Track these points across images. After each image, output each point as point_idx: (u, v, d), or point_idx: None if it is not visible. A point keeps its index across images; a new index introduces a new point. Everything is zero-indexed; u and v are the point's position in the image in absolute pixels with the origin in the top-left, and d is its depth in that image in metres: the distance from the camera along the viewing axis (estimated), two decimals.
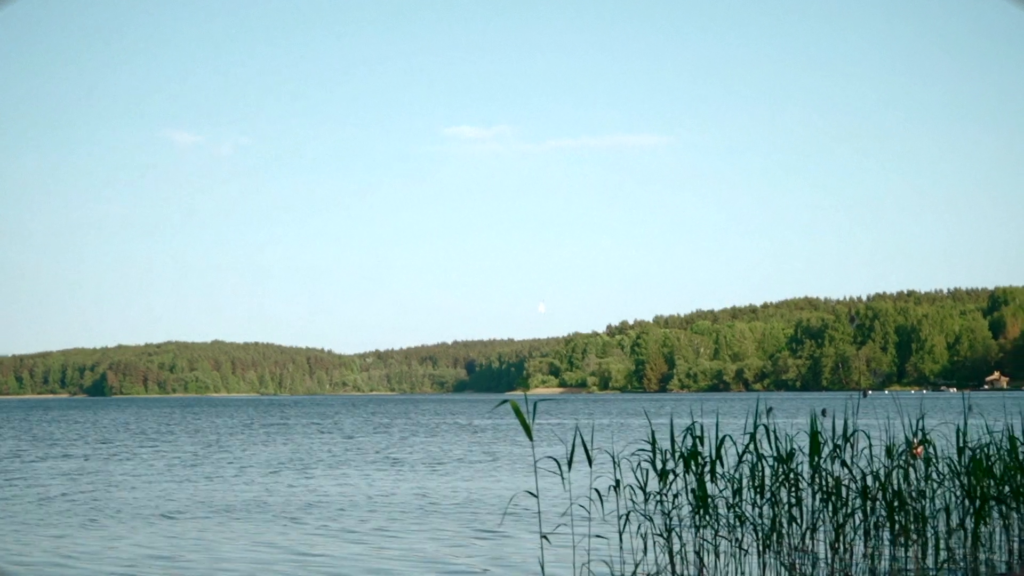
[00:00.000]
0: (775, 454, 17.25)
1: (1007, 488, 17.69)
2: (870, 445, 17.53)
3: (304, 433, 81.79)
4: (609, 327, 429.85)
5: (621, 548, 17.61)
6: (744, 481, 17.34)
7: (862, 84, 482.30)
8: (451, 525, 26.02)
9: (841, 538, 16.68)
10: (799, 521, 17.00)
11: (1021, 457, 17.92)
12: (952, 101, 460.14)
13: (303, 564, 20.73)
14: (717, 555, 17.25)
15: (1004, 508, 17.80)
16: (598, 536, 19.09)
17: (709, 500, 17.08)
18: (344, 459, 51.41)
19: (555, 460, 15.61)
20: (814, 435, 17.04)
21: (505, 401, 13.86)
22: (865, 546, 16.96)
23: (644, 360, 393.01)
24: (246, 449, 61.01)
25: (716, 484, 17.34)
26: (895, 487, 16.97)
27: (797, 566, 16.75)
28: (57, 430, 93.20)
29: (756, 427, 17.40)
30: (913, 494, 17.09)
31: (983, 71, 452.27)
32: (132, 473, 43.98)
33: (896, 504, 16.66)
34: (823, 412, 17.70)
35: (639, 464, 17.65)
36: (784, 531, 17.01)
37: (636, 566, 17.02)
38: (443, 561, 20.77)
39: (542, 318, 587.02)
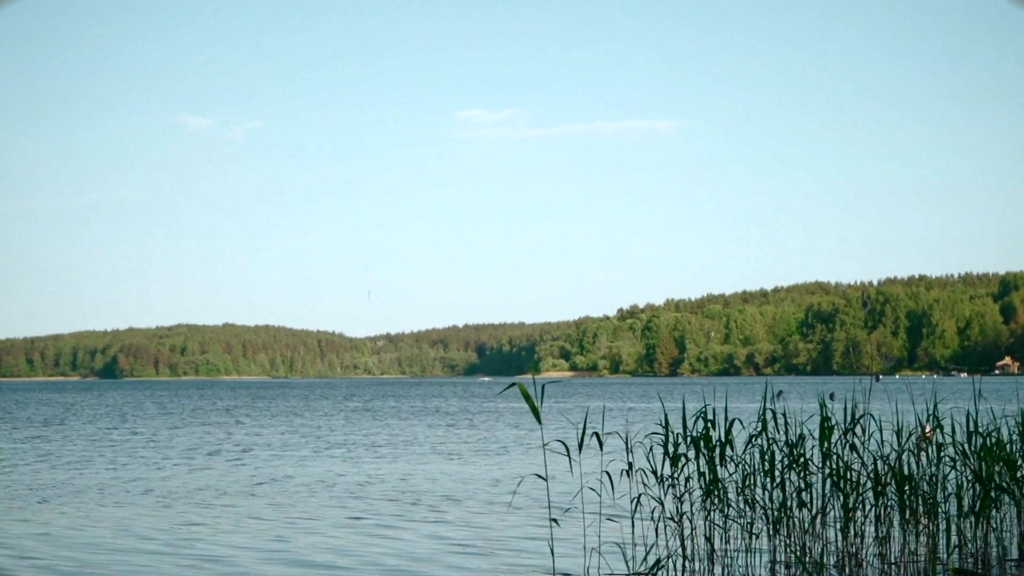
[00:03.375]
0: (785, 438, 17.22)
1: (1020, 473, 17.63)
2: (880, 429, 17.48)
3: (278, 416, 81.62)
4: (620, 311, 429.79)
5: (632, 532, 17.57)
6: (754, 465, 17.31)
7: (875, 70, 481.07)
8: (460, 508, 26.02)
9: (851, 522, 16.64)
10: (809, 505, 16.96)
11: None
12: (965, 88, 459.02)
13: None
14: (727, 539, 17.24)
15: (1016, 493, 17.74)
16: (609, 519, 19.07)
17: (719, 484, 17.06)
18: (295, 443, 51.32)
19: (563, 444, 15.56)
20: (824, 419, 17.00)
21: (513, 384, 13.80)
22: (876, 531, 16.93)
23: (655, 344, 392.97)
24: (207, 433, 60.96)
25: (726, 468, 17.31)
26: (906, 472, 16.93)
27: (807, 550, 16.73)
28: (28, 411, 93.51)
29: (766, 411, 17.36)
30: (925, 478, 17.04)
31: (991, 59, 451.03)
32: (56, 454, 44.08)
33: (907, 489, 16.61)
34: (832, 396, 17.62)
35: (651, 448, 17.63)
36: (794, 515, 16.99)
37: (648, 550, 16.99)
38: (454, 543, 20.76)
39: (553, 302, 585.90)
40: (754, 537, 17.13)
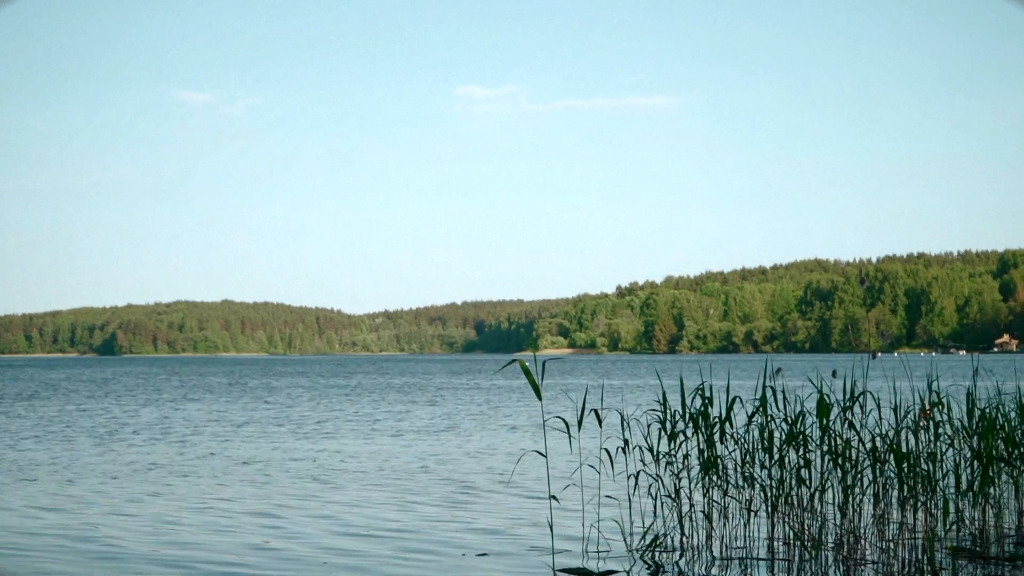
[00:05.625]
0: (784, 415, 17.21)
1: (1019, 449, 17.64)
2: (878, 407, 17.46)
3: (251, 395, 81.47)
4: (619, 288, 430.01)
5: (630, 509, 17.58)
6: (753, 442, 17.29)
7: (874, 47, 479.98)
8: (456, 486, 26.05)
9: (850, 500, 16.65)
10: (808, 483, 16.96)
11: None
12: (964, 65, 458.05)
13: None
14: (726, 516, 17.25)
15: (1014, 470, 17.76)
16: (608, 497, 19.08)
17: (718, 461, 17.06)
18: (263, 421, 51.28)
19: (564, 420, 15.57)
20: (822, 396, 16.99)
21: (513, 361, 13.78)
22: (874, 508, 16.94)
23: (653, 321, 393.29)
24: (167, 410, 60.91)
25: (725, 445, 17.30)
26: (904, 449, 16.91)
27: (805, 527, 16.74)
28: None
29: (765, 388, 17.35)
30: (923, 455, 17.03)
31: (991, 36, 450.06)
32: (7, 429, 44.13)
33: (905, 466, 16.61)
34: (833, 373, 17.65)
35: (649, 426, 17.63)
36: (792, 493, 16.99)
37: (646, 527, 17.01)
38: (450, 521, 20.79)
39: (552, 279, 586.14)
40: (752, 514, 17.14)
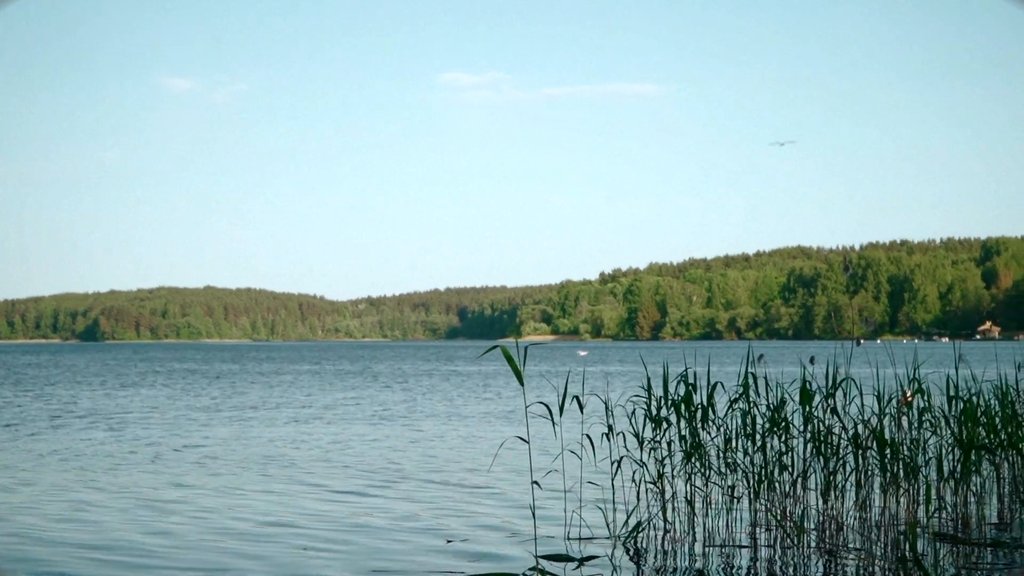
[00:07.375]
0: (767, 402, 17.19)
1: (1000, 437, 17.67)
2: (861, 394, 17.45)
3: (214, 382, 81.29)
4: (602, 275, 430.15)
5: (613, 495, 17.56)
6: (735, 429, 17.27)
7: (856, 34, 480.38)
8: (441, 474, 26.02)
9: (832, 486, 16.65)
10: (790, 469, 16.96)
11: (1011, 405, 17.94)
12: (947, 53, 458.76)
13: None
14: (708, 502, 17.24)
15: (995, 457, 17.79)
16: (590, 483, 19.06)
17: (701, 447, 17.03)
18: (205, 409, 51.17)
19: (546, 407, 15.53)
20: (804, 383, 16.98)
21: (495, 347, 13.72)
22: (856, 495, 16.94)
23: (637, 308, 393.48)
24: (119, 397, 60.79)
25: (708, 432, 17.28)
26: (886, 436, 16.91)
27: (788, 514, 16.74)
28: None
29: (748, 375, 17.32)
30: (906, 443, 17.05)
31: (976, 24, 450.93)
32: None
33: (888, 453, 16.61)
34: (812, 360, 17.72)
35: (632, 411, 17.60)
36: (775, 479, 16.98)
37: (629, 513, 17.00)
38: (438, 508, 20.76)
39: (535, 265, 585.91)
40: (735, 500, 17.13)
